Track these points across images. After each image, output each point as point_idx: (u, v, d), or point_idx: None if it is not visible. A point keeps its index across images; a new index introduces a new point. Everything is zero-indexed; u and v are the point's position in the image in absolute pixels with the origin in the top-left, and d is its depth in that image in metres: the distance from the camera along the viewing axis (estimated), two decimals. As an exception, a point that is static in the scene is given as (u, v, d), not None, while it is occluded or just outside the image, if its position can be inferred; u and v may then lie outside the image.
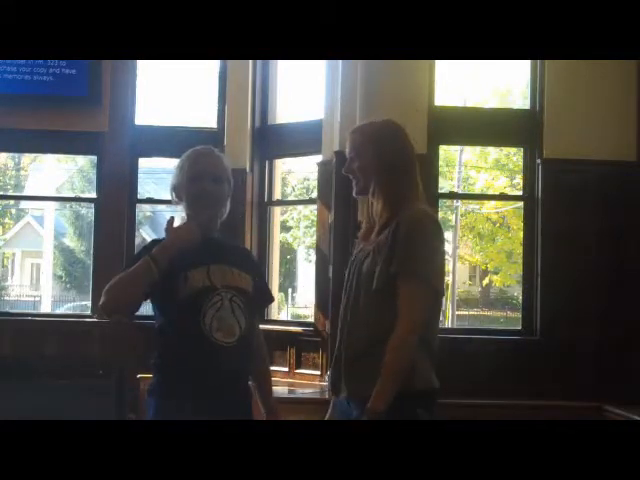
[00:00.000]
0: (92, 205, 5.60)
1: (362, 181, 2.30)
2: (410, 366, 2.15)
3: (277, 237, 5.68)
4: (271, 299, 2.60)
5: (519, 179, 10.70)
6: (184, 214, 2.39)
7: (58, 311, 13.68)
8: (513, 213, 15.81)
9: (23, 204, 19.05)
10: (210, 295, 2.25)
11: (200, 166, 2.32)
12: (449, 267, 14.99)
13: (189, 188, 2.31)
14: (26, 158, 17.83)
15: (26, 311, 9.49)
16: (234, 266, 2.33)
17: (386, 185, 2.26)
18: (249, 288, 2.34)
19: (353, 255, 2.38)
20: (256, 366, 2.43)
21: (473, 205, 17.18)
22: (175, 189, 2.37)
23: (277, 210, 5.69)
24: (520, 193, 5.47)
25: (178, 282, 2.24)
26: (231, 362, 2.25)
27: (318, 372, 4.86)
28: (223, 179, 2.34)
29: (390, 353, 2.12)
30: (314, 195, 5.76)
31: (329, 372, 2.39)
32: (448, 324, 14.36)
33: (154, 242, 2.38)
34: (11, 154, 15.51)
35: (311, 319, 5.19)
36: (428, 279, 2.17)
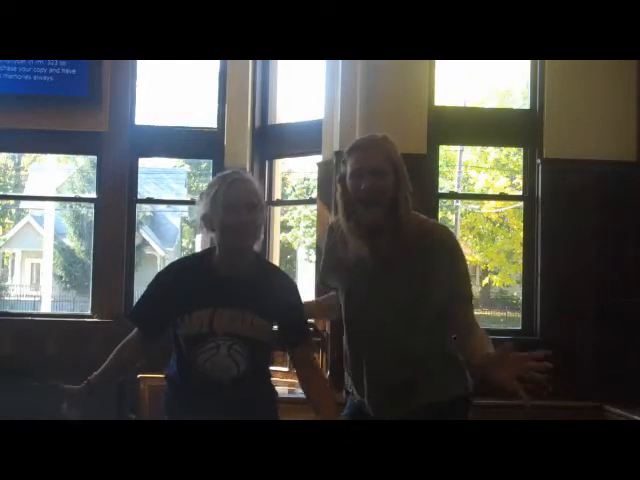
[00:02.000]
0: (92, 205, 5.59)
1: (386, 201, 2.19)
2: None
3: (277, 237, 5.68)
4: (299, 342, 2.35)
5: (519, 179, 10.70)
6: (214, 241, 2.27)
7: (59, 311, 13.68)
8: (513, 213, 15.81)
9: (23, 204, 19.04)
10: (204, 342, 2.18)
11: (234, 196, 2.16)
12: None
13: (224, 219, 2.15)
14: (26, 158, 17.83)
15: (26, 311, 9.47)
16: (249, 310, 2.20)
17: (408, 202, 2.22)
18: (260, 336, 2.21)
19: (347, 271, 2.31)
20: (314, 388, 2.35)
21: (473, 205, 17.18)
22: (206, 218, 2.21)
23: (277, 210, 5.69)
24: (520, 193, 5.47)
25: (180, 320, 2.20)
26: (227, 399, 2.19)
27: (318, 372, 4.85)
28: (258, 206, 2.21)
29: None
30: (314, 195, 5.76)
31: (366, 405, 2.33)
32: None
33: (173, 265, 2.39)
34: (11, 154, 15.50)
35: (311, 319, 5.18)
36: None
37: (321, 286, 2.51)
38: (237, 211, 2.15)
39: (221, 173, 2.29)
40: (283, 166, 9.40)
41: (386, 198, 2.17)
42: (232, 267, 2.22)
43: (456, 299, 2.21)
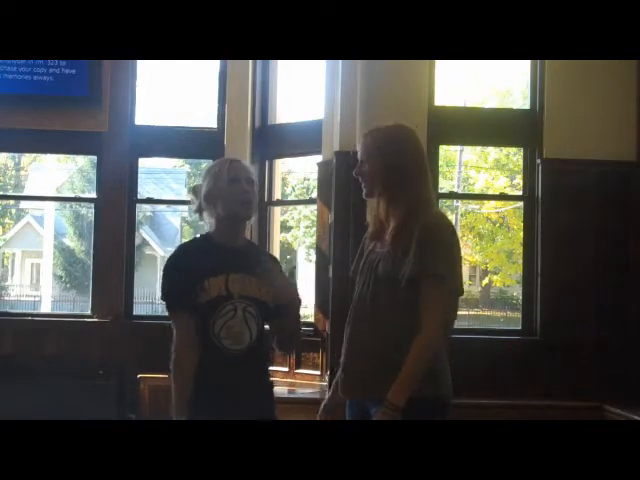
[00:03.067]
0: (92, 205, 5.60)
1: (369, 185, 2.36)
2: (430, 366, 2.21)
3: (277, 237, 5.68)
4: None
5: (519, 179, 10.71)
6: (210, 221, 2.43)
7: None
8: (513, 213, 15.83)
9: (23, 204, 19.07)
10: (224, 304, 2.32)
11: (236, 170, 2.40)
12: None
13: (228, 190, 2.37)
14: (26, 158, 17.85)
15: (26, 311, 9.48)
16: (254, 275, 2.37)
17: (393, 190, 2.31)
18: (267, 299, 2.38)
19: (364, 256, 2.42)
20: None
21: (473, 205, 17.19)
22: (209, 194, 2.40)
23: (277, 210, 5.69)
24: (520, 193, 5.47)
25: (197, 289, 2.32)
26: (240, 369, 2.31)
27: (318, 372, 4.86)
28: (255, 184, 2.44)
29: (416, 351, 2.17)
30: (314, 195, 5.76)
31: (340, 374, 2.39)
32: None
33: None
34: (11, 154, 15.52)
35: (311, 319, 5.19)
36: (449, 281, 2.24)
37: (352, 276, 2.55)
38: (240, 182, 2.38)
39: (218, 159, 2.55)
40: (283, 166, 9.41)
41: (369, 181, 2.36)
42: (234, 238, 2.43)
43: (422, 278, 2.20)
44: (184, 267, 2.37)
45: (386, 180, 2.31)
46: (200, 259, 2.37)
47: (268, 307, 2.38)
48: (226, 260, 2.37)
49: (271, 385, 2.47)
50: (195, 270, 2.34)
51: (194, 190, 2.49)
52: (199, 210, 2.46)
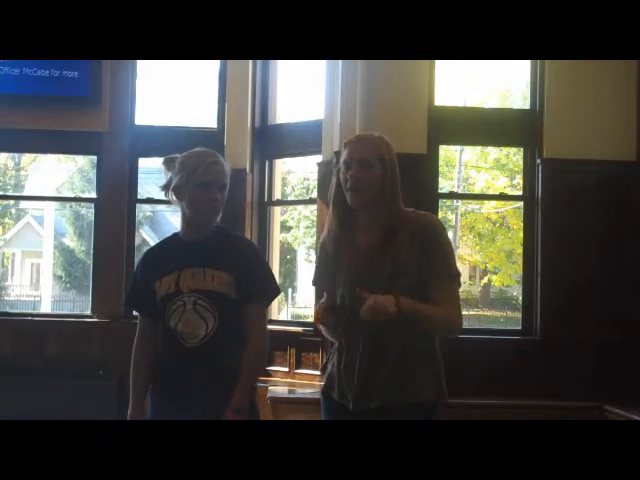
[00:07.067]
0: (92, 205, 5.61)
1: (373, 189, 2.29)
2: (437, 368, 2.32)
3: (277, 237, 5.68)
4: (251, 298, 2.40)
5: (519, 179, 10.71)
6: (180, 212, 2.48)
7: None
8: (513, 213, 15.81)
9: (23, 204, 19.03)
10: (172, 301, 2.38)
11: (211, 175, 2.38)
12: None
13: (199, 195, 2.38)
14: (26, 158, 17.81)
15: (26, 311, 9.49)
16: (210, 266, 2.38)
17: (395, 195, 2.32)
18: (222, 289, 2.36)
19: (336, 265, 2.39)
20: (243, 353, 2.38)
21: (473, 205, 17.18)
22: (179, 189, 2.41)
23: (277, 210, 5.69)
24: (520, 193, 5.47)
25: (153, 289, 2.42)
26: (199, 362, 2.34)
27: (318, 372, 4.85)
28: (226, 187, 2.44)
29: (450, 310, 2.28)
30: (314, 195, 5.76)
31: (346, 384, 2.37)
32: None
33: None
34: (11, 154, 15.50)
35: (311, 319, 5.19)
36: (458, 277, 2.33)
37: (313, 286, 2.61)
38: (212, 189, 2.38)
39: (196, 151, 2.46)
40: (283, 166, 9.39)
41: (371, 187, 2.29)
42: (195, 235, 2.43)
43: (439, 280, 2.28)
44: (144, 271, 2.48)
45: (392, 184, 2.30)
46: (159, 260, 2.46)
47: (225, 297, 2.35)
48: (180, 257, 2.41)
49: (230, 382, 2.31)
50: (153, 272, 2.44)
51: (167, 163, 2.48)
52: (166, 189, 2.46)
